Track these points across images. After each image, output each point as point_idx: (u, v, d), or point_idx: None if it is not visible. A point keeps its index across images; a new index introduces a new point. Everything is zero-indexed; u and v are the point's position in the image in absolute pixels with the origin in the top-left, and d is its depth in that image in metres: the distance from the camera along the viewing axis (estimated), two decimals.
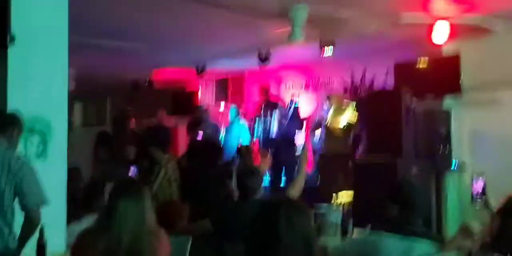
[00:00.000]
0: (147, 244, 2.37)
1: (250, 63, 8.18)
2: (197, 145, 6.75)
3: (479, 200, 2.95)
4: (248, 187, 3.93)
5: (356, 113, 6.93)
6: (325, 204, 4.52)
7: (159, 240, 2.45)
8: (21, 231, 3.15)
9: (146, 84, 9.94)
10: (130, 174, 6.08)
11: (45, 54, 3.93)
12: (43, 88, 3.85)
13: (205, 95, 10.54)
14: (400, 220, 2.81)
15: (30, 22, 3.90)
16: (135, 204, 2.40)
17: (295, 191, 4.00)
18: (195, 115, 8.78)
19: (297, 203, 1.91)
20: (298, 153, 4.44)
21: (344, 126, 6.90)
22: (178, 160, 6.27)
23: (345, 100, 7.35)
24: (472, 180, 3.02)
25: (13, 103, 3.72)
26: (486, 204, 2.98)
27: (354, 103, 7.01)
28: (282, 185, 7.44)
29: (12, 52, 3.78)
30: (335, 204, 4.57)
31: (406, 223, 2.77)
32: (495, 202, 3.20)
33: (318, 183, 6.95)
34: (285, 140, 7.74)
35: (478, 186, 2.98)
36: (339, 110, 6.98)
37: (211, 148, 5.90)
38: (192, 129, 8.18)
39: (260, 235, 1.83)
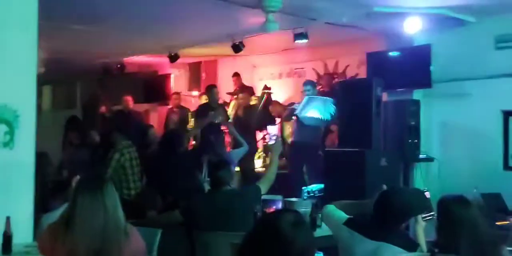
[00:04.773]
0: (112, 242, 2.35)
1: (223, 50, 8.13)
2: (170, 133, 6.64)
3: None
4: (221, 179, 3.96)
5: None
6: (295, 198, 4.56)
7: (128, 236, 2.42)
8: None
9: (117, 68, 9.79)
10: None
11: (13, 40, 3.83)
12: (10, 75, 3.77)
13: (178, 81, 10.46)
14: (372, 223, 2.85)
15: None
16: (96, 202, 2.36)
17: (267, 183, 4.03)
18: (208, 99, 7.56)
19: (302, 218, 1.88)
20: (271, 143, 4.42)
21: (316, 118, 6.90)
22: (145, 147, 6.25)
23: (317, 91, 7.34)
24: None
25: None
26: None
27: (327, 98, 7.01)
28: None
29: None
30: (305, 196, 4.60)
31: (379, 227, 2.81)
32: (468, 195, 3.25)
33: (288, 171, 6.98)
34: (253, 129, 7.74)
35: None
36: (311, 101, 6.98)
37: (174, 136, 5.84)
38: (203, 114, 7.13)
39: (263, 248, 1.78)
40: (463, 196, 2.63)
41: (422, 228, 3.01)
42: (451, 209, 2.53)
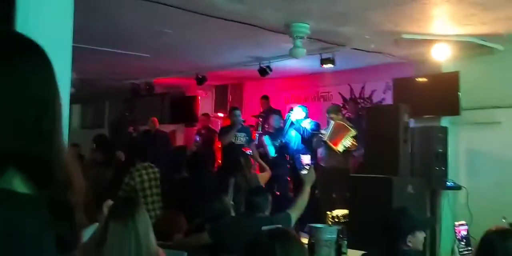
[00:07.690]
0: None
1: (250, 73, 8.20)
2: (197, 154, 6.64)
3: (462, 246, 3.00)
4: (257, 205, 3.92)
5: (355, 140, 6.93)
6: (320, 224, 4.52)
7: None
8: None
9: (146, 89, 9.93)
10: None
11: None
12: None
13: (204, 103, 10.55)
14: (391, 249, 2.84)
15: (34, 32, 3.90)
16: (127, 230, 2.37)
17: (297, 211, 4.01)
18: (230, 120, 7.59)
19: (293, 235, 1.92)
20: (304, 172, 4.40)
21: (344, 149, 6.92)
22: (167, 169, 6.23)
23: (344, 121, 7.30)
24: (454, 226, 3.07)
25: None
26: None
27: (354, 132, 7.00)
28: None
29: None
30: (330, 222, 4.55)
31: (397, 252, 2.81)
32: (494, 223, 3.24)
33: (316, 195, 6.93)
34: (282, 154, 7.70)
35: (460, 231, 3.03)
36: (339, 130, 6.99)
37: (199, 158, 5.86)
38: (223, 134, 7.36)
39: None
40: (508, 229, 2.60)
41: None
42: (493, 242, 2.51)
